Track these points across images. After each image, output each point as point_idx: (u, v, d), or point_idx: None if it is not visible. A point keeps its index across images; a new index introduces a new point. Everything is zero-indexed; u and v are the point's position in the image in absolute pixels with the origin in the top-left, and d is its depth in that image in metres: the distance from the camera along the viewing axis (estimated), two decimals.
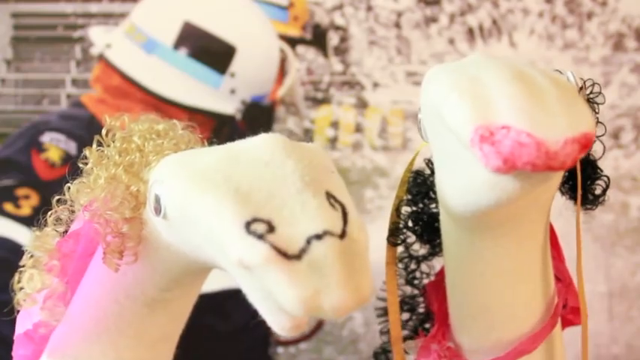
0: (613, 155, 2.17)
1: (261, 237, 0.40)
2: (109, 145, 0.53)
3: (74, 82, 2.35)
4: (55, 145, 1.52)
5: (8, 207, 1.48)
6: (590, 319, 0.58)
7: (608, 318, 2.16)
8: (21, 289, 0.54)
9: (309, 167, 0.44)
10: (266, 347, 1.68)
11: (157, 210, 0.47)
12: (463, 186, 0.51)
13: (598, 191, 0.59)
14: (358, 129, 2.25)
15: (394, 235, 0.63)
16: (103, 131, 0.54)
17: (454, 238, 0.58)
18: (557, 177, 0.53)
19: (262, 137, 0.46)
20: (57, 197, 0.54)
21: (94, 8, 2.35)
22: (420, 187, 0.62)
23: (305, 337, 2.04)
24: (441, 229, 0.59)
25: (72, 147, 1.53)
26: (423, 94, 0.51)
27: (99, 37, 1.68)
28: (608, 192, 0.59)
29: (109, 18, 2.28)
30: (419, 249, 0.66)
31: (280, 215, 0.41)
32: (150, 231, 0.50)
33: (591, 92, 0.54)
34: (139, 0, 1.67)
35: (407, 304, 0.68)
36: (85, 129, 1.56)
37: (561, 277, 0.62)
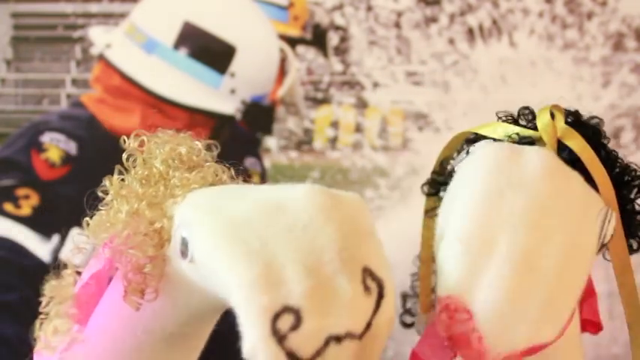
0: None
1: (282, 339, 0.40)
2: (129, 171, 0.51)
3: (74, 82, 2.35)
4: (55, 145, 1.52)
5: (8, 207, 1.47)
6: None
7: (608, 318, 2.14)
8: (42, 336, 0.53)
9: (349, 235, 0.42)
10: None
11: (184, 254, 0.45)
12: None
13: None
14: (358, 129, 2.24)
15: (430, 185, 0.65)
16: (124, 155, 0.51)
17: None
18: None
19: (303, 190, 0.44)
20: (76, 232, 0.52)
21: (94, 8, 2.35)
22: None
23: None
24: None
25: (72, 147, 1.53)
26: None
27: (99, 37, 1.67)
28: None
29: (109, 18, 2.28)
30: None
31: (311, 302, 0.40)
32: (173, 268, 0.48)
33: None
34: (139, 0, 1.67)
35: None
36: (85, 129, 1.56)
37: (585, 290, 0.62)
